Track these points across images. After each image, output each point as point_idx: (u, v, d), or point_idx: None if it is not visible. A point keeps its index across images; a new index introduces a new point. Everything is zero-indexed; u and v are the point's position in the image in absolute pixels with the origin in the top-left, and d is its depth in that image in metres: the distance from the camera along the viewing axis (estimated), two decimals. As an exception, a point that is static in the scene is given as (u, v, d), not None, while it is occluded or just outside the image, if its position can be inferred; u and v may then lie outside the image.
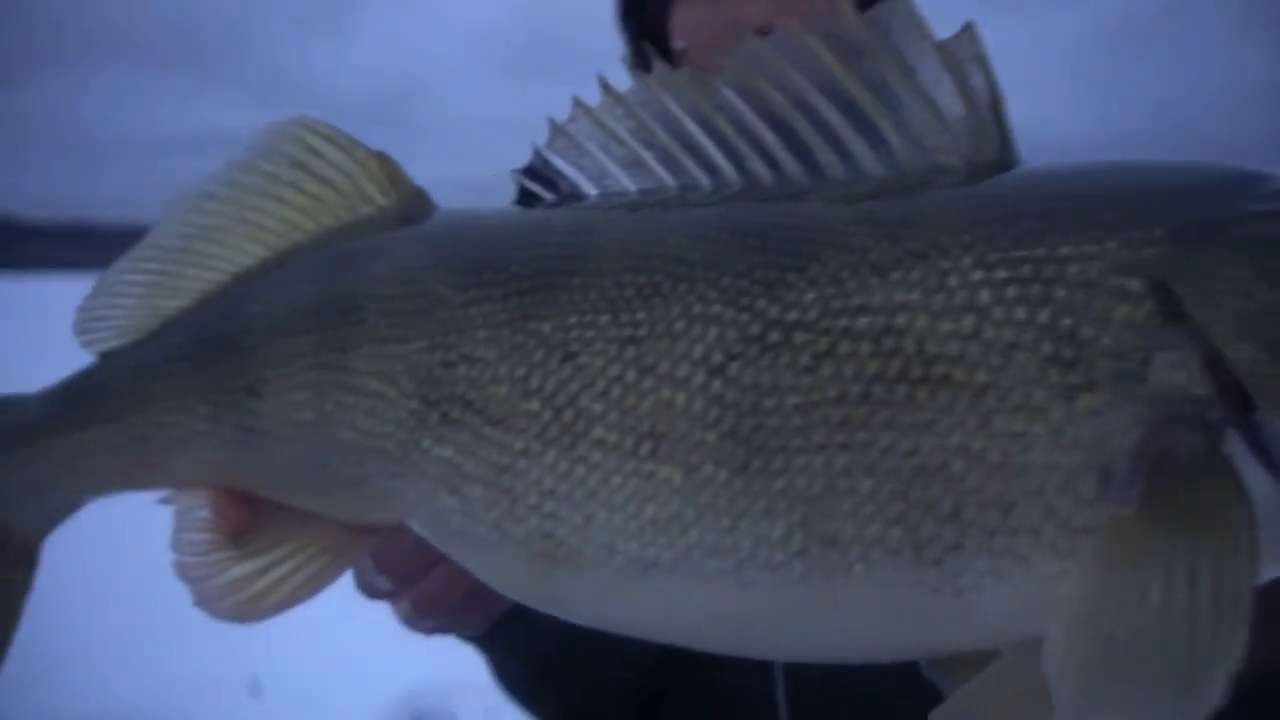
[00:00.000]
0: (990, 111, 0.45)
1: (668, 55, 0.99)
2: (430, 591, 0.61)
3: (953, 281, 0.42)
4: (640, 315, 0.47)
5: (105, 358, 0.62)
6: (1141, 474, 0.39)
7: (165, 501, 0.61)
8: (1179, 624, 0.36)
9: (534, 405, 0.48)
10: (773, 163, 0.48)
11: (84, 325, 0.62)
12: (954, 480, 0.41)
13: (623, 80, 0.51)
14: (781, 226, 0.46)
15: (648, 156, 0.50)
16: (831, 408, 0.42)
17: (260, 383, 0.56)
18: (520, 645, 0.77)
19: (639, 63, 1.04)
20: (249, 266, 0.59)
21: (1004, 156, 0.45)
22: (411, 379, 0.51)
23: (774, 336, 0.44)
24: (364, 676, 3.32)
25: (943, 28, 0.45)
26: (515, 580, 0.50)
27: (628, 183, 0.51)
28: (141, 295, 0.61)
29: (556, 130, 0.52)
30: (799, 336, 0.43)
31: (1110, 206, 0.42)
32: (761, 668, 0.80)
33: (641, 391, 0.46)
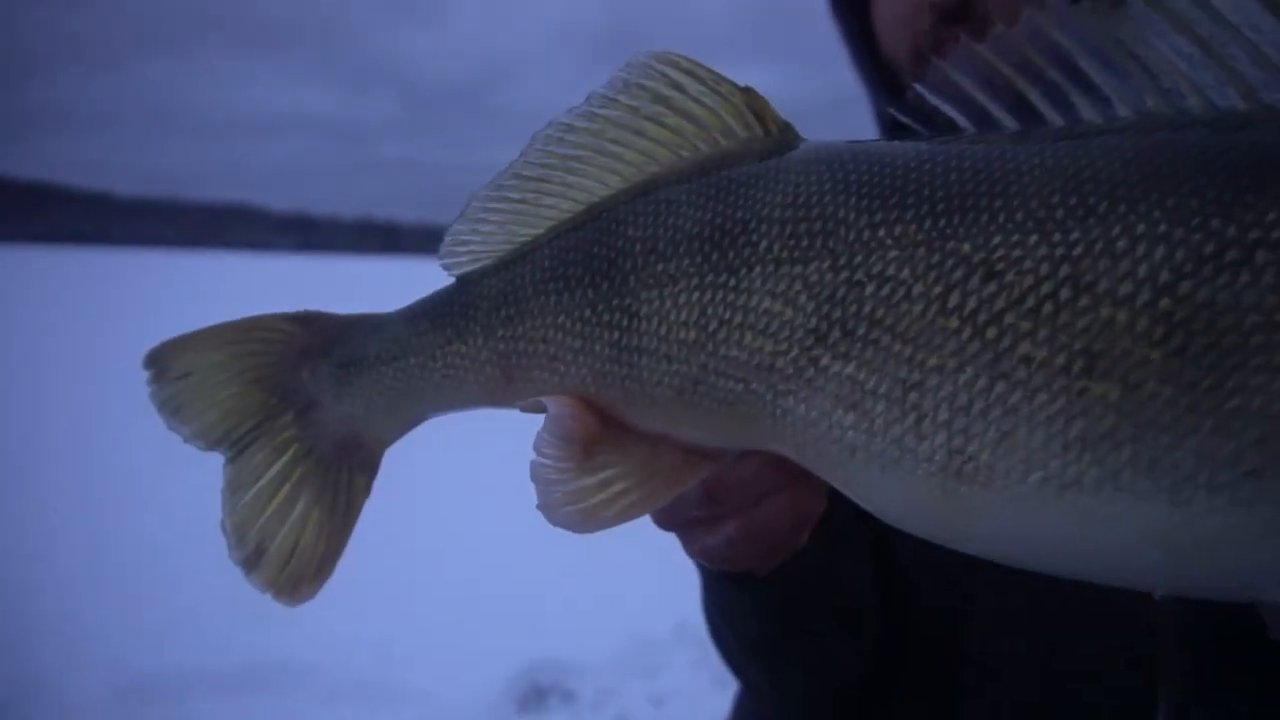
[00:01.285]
0: None
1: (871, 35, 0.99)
2: (763, 518, 0.61)
3: None
4: (1074, 235, 0.45)
5: (464, 281, 0.64)
6: None
7: (525, 410, 0.63)
8: None
9: (952, 322, 0.47)
10: (1176, 99, 0.47)
11: (448, 249, 0.65)
12: None
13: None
14: (1225, 150, 0.45)
15: (1034, 94, 0.49)
16: None
17: (640, 303, 0.57)
18: (790, 593, 0.77)
19: (853, 43, 1.03)
20: (605, 197, 0.60)
21: None
22: (812, 298, 0.51)
23: (1232, 255, 0.42)
24: (486, 650, 3.41)
25: None
26: (910, 498, 0.49)
27: (1009, 121, 0.51)
28: (500, 222, 0.63)
29: (935, 68, 0.52)
30: (1262, 255, 0.42)
31: None
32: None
33: (1076, 309, 0.45)
